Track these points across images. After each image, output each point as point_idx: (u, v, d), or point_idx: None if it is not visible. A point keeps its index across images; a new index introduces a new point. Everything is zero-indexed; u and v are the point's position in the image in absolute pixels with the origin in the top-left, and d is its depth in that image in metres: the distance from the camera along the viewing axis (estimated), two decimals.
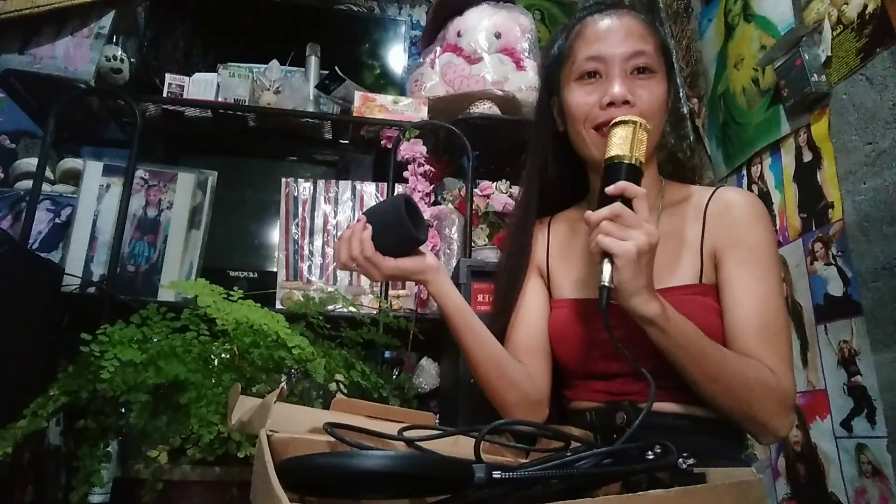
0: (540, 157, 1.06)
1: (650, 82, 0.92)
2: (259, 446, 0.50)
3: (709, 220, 0.94)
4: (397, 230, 0.91)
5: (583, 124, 0.94)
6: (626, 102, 0.90)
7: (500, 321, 1.03)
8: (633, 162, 0.82)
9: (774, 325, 0.87)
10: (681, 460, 0.54)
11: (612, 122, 0.85)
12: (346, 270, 0.98)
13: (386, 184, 1.67)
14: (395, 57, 2.28)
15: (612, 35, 0.93)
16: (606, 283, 0.77)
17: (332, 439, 0.55)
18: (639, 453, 0.57)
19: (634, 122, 0.83)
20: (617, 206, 0.78)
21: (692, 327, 0.82)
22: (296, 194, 1.66)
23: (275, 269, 1.64)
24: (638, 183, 0.81)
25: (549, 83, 1.03)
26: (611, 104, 0.90)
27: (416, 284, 1.61)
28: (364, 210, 0.98)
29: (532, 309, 1.02)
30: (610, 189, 0.79)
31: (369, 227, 0.91)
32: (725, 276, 0.90)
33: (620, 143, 0.83)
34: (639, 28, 0.94)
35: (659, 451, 0.56)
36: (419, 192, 1.63)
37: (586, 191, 1.06)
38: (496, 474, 0.51)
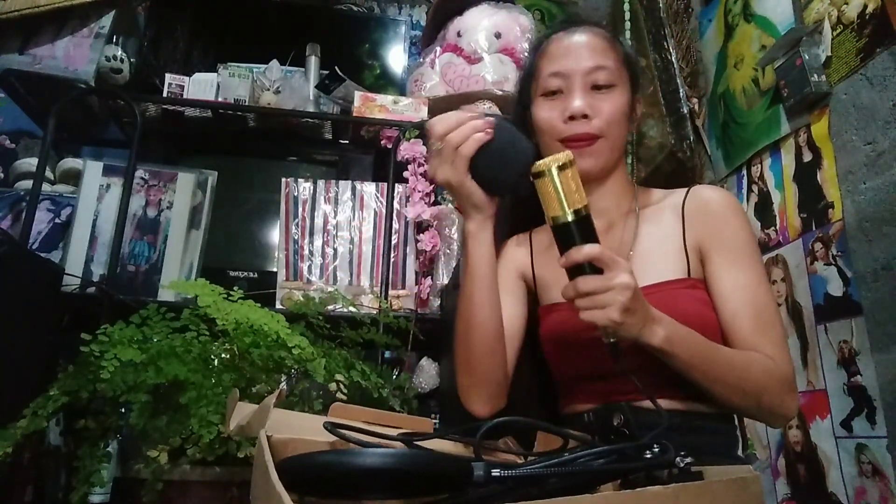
0: None
1: (610, 95, 0.96)
2: (259, 446, 0.50)
3: (688, 217, 0.96)
4: (518, 158, 0.80)
5: (549, 138, 0.97)
6: (585, 116, 0.94)
7: None
8: (574, 216, 0.74)
9: (766, 312, 0.89)
10: (678, 458, 0.55)
11: (532, 174, 0.78)
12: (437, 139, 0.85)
13: (386, 184, 1.67)
14: (395, 57, 2.28)
15: (572, 52, 0.97)
16: (612, 339, 0.76)
17: (332, 439, 0.55)
18: (637, 452, 0.57)
19: (548, 169, 0.75)
20: (581, 284, 0.74)
21: (696, 339, 0.82)
22: (296, 194, 1.66)
23: (275, 269, 1.64)
24: (589, 229, 0.76)
25: (521, 98, 1.07)
26: (571, 118, 0.94)
27: (417, 284, 1.63)
28: (494, 118, 0.84)
29: (508, 303, 1.00)
30: (562, 263, 0.76)
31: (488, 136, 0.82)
32: (713, 270, 0.92)
33: (552, 201, 0.75)
34: (599, 44, 0.98)
35: (657, 449, 0.56)
36: (419, 191, 1.63)
37: None
38: (495, 472, 0.51)
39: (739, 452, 0.95)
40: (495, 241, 0.99)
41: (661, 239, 0.97)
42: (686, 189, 1.01)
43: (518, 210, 1.09)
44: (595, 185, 1.01)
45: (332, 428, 0.55)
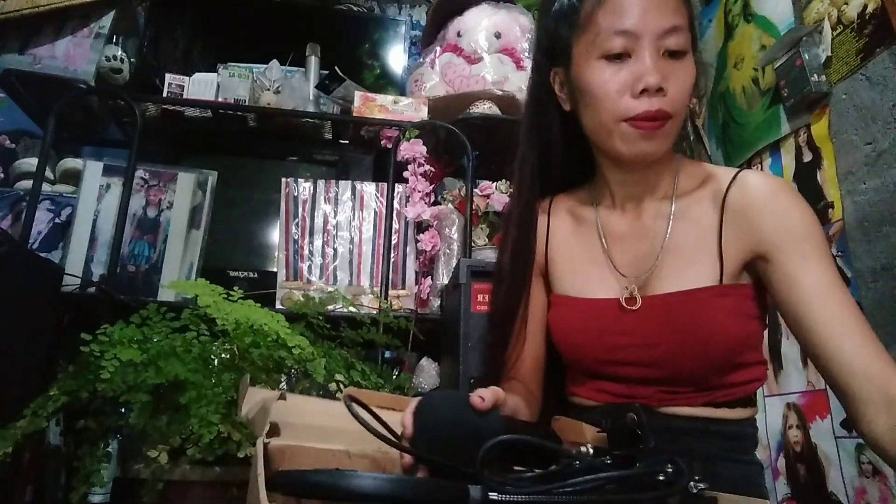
0: (540, 138, 0.94)
1: (683, 65, 0.80)
2: (255, 456, 0.50)
3: (729, 212, 0.82)
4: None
5: (610, 115, 0.81)
6: (659, 90, 0.78)
7: (504, 325, 0.94)
8: None
9: (859, 311, 0.77)
10: (692, 483, 0.52)
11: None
12: None
13: (386, 184, 1.67)
14: (395, 57, 2.28)
15: (643, 5, 0.79)
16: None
17: (330, 447, 0.55)
18: (649, 475, 0.54)
19: None
20: None
21: None
22: (296, 194, 1.65)
23: (275, 269, 1.64)
24: None
25: (552, 52, 0.88)
26: (644, 91, 0.78)
27: (417, 284, 1.63)
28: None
29: (538, 323, 0.95)
30: None
31: None
32: (785, 272, 0.78)
33: None
34: None
35: (670, 470, 0.54)
36: (419, 191, 1.63)
37: (590, 172, 0.96)
38: (493, 496, 0.49)
39: (757, 454, 0.89)
40: (525, 194, 0.93)
41: (694, 237, 0.84)
42: (733, 173, 0.86)
43: (545, 179, 0.96)
44: (643, 166, 0.88)
45: (349, 404, 0.54)
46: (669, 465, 0.54)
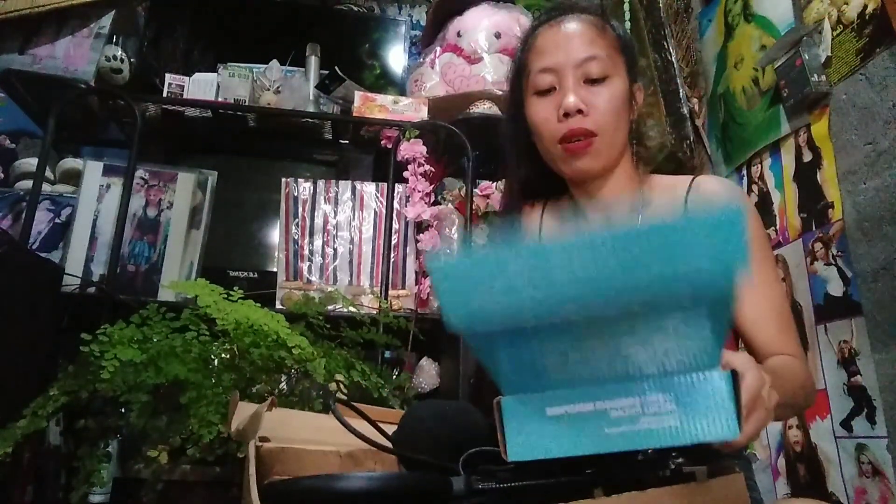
0: (516, 163, 1.06)
1: (604, 88, 0.93)
2: (247, 459, 0.51)
3: None
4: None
5: (547, 141, 0.94)
6: (579, 111, 0.91)
7: None
8: None
9: (784, 310, 0.89)
10: (669, 461, 0.54)
11: None
12: None
13: (386, 184, 1.67)
14: (395, 57, 2.28)
15: (561, 44, 0.94)
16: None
17: (321, 448, 0.55)
18: (627, 454, 0.56)
19: None
20: None
21: (779, 379, 0.68)
22: (296, 194, 1.66)
23: (275, 269, 1.64)
24: None
25: (514, 96, 1.04)
26: (566, 115, 0.91)
27: (417, 284, 1.63)
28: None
29: None
30: None
31: None
32: None
33: None
34: (589, 32, 0.95)
35: (649, 450, 0.55)
36: (419, 191, 1.63)
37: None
38: (477, 485, 0.51)
39: (757, 454, 0.94)
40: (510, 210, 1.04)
41: None
42: (689, 180, 0.97)
43: (529, 190, 1.06)
44: (597, 182, 0.98)
45: (334, 409, 0.55)
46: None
